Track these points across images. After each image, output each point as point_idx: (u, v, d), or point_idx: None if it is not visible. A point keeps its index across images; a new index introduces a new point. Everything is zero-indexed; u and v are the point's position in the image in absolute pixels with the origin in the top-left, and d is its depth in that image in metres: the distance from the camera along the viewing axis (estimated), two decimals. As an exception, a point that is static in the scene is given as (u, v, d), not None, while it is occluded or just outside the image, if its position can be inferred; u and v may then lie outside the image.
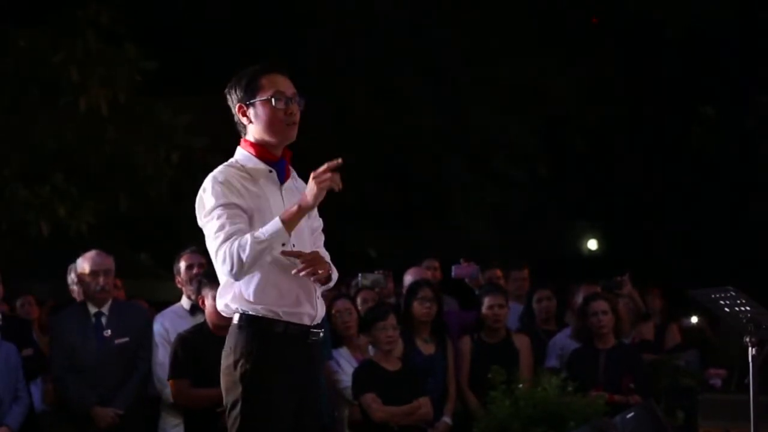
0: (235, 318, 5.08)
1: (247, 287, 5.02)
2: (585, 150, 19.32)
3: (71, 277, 8.65)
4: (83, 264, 8.22)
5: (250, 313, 5.03)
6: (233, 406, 5.01)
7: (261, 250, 4.88)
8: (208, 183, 5.08)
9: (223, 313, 5.18)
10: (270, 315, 5.02)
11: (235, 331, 5.06)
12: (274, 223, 4.93)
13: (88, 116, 13.34)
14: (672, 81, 19.12)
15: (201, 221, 5.10)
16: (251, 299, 5.02)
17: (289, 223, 4.94)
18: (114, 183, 13.88)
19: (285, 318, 5.04)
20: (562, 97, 18.28)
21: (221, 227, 4.96)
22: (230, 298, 5.08)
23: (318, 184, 4.90)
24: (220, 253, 4.94)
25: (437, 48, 16.13)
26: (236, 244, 4.90)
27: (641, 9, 18.04)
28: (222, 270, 4.98)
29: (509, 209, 18.66)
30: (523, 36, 17.84)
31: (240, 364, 5.00)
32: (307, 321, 5.12)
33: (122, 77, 13.37)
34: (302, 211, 4.96)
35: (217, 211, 4.99)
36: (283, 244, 4.94)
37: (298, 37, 16.34)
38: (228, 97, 5.22)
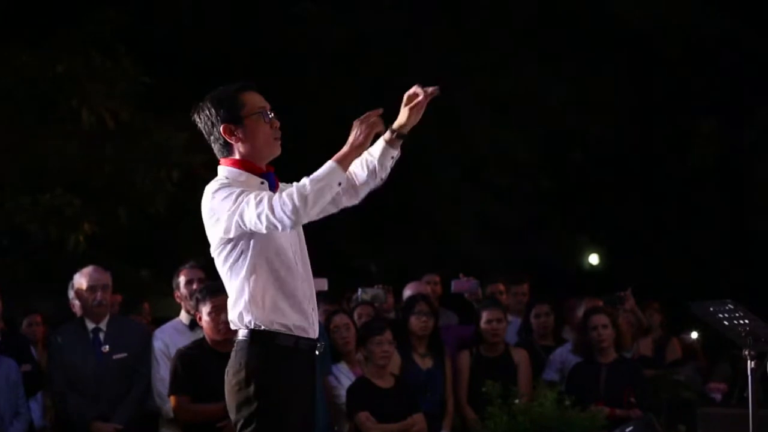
0: (244, 333, 5.05)
1: (257, 301, 5.01)
2: (586, 164, 19.33)
3: (71, 293, 8.66)
4: (81, 279, 8.24)
5: (262, 327, 5.01)
6: (248, 422, 4.99)
7: (321, 187, 4.88)
8: (211, 188, 5.06)
9: (233, 327, 5.15)
10: (282, 329, 5.02)
11: (246, 346, 5.04)
12: (328, 165, 4.95)
13: (89, 133, 13.37)
14: (672, 96, 19.13)
15: (214, 223, 5.04)
16: (261, 314, 5.01)
17: (343, 162, 4.98)
18: (113, 199, 13.88)
19: (295, 332, 5.05)
20: (562, 111, 18.28)
21: (254, 196, 4.91)
22: (239, 313, 5.06)
23: (368, 125, 5.02)
24: (275, 202, 4.85)
25: (435, 61, 16.14)
26: (285, 192, 4.87)
27: (640, 23, 18.06)
28: (275, 218, 4.85)
29: (510, 224, 18.65)
30: (523, 49, 17.85)
31: (253, 379, 4.98)
32: (312, 334, 5.14)
33: (122, 93, 13.39)
34: (354, 150, 5.03)
35: (237, 193, 4.96)
36: (339, 183, 4.96)
37: (297, 53, 16.38)
38: (202, 117, 5.19)
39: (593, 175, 19.46)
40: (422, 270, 10.79)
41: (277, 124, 5.18)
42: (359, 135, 5.02)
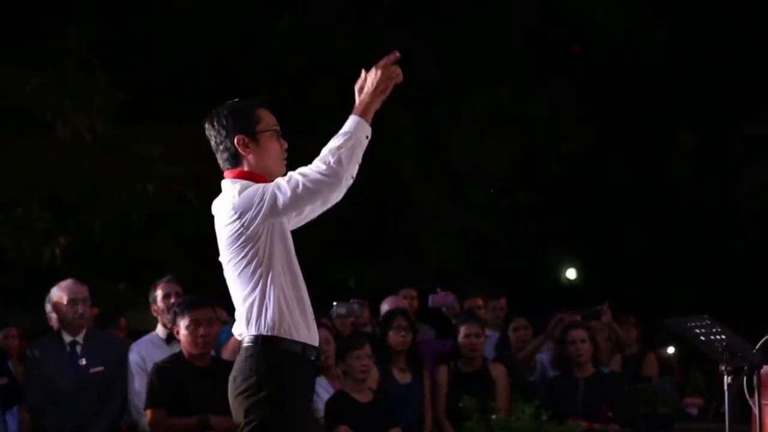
0: (252, 339, 5.07)
1: (267, 307, 5.03)
2: (564, 179, 19.35)
3: (48, 307, 8.63)
4: (60, 293, 8.21)
5: (272, 333, 5.03)
6: (258, 427, 5.00)
7: (352, 144, 4.93)
8: (234, 190, 5.08)
9: (238, 335, 5.18)
10: (290, 336, 5.05)
11: (255, 352, 5.05)
12: (352, 119, 5.01)
13: (64, 146, 13.33)
14: (652, 108, 19.17)
15: (232, 221, 5.05)
16: (272, 320, 5.03)
17: (366, 113, 5.03)
18: (89, 212, 13.85)
19: (303, 339, 5.09)
20: (541, 126, 18.31)
21: (281, 179, 4.99)
22: (248, 319, 5.08)
23: (385, 72, 5.05)
24: (305, 170, 4.94)
25: (414, 75, 16.14)
26: (315, 160, 4.92)
27: (621, 37, 18.10)
28: (313, 183, 4.92)
29: (488, 238, 18.65)
30: (502, 63, 17.87)
31: (265, 384, 4.99)
32: (315, 342, 5.18)
33: (98, 106, 13.36)
34: (376, 98, 5.07)
35: (264, 186, 5.02)
36: (367, 136, 5.00)
37: (276, 68, 16.37)
38: (216, 126, 5.22)
39: (571, 190, 19.48)
40: (399, 284, 10.79)
41: (285, 145, 5.24)
42: (380, 82, 5.05)
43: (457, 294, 10.15)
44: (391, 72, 5.09)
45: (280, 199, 4.95)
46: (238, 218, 5.03)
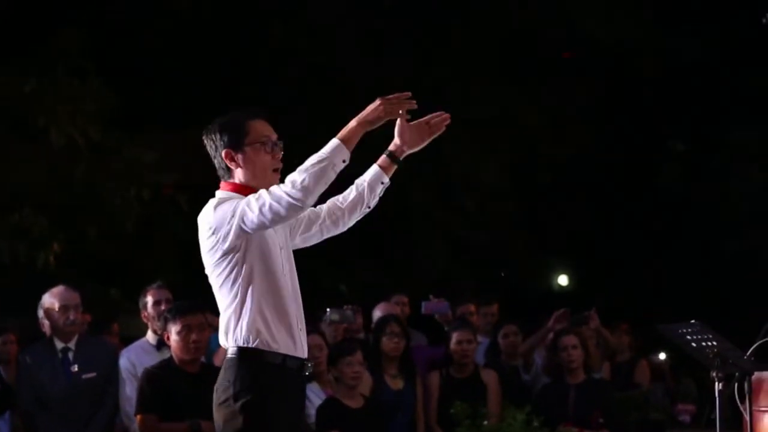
0: (233, 351, 5.09)
1: (246, 318, 5.04)
2: (555, 186, 19.36)
3: (41, 313, 8.62)
4: (52, 299, 8.20)
5: (250, 345, 5.04)
6: None
7: (324, 166, 4.91)
8: (212, 204, 5.11)
9: (222, 344, 5.19)
10: (269, 348, 5.05)
11: (234, 363, 5.07)
12: (332, 142, 4.98)
13: (58, 151, 13.32)
14: (642, 116, 19.20)
15: (210, 236, 5.07)
16: (250, 331, 5.03)
17: (348, 139, 4.99)
18: (83, 218, 13.84)
19: (283, 351, 5.08)
20: (533, 133, 18.32)
21: (252, 196, 4.98)
22: (229, 330, 5.10)
23: (386, 104, 5.05)
24: (275, 189, 4.93)
25: (407, 84, 16.14)
26: (287, 178, 4.92)
27: (611, 45, 18.13)
28: (280, 203, 4.89)
29: (480, 245, 18.65)
30: (492, 71, 17.89)
31: (241, 396, 5.01)
32: (300, 353, 5.16)
33: (91, 112, 13.36)
34: (361, 126, 5.05)
35: (237, 202, 5.02)
36: (344, 161, 4.96)
37: (268, 76, 16.37)
38: (209, 140, 5.26)
39: (563, 197, 19.50)
40: (391, 291, 10.78)
41: (279, 155, 5.23)
42: (372, 111, 5.06)
43: (449, 301, 10.15)
44: (392, 108, 5.10)
45: (248, 217, 4.95)
46: (213, 233, 5.06)
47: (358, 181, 5.32)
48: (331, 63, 16.33)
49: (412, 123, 5.28)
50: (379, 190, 5.30)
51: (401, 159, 5.31)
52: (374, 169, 5.29)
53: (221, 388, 5.10)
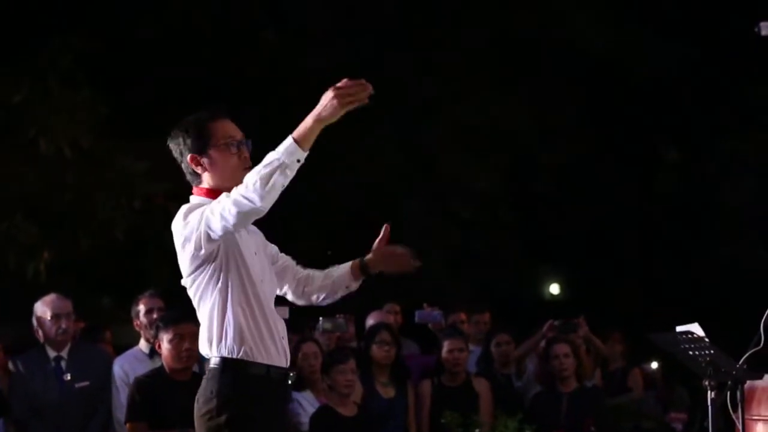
0: (215, 361, 5.02)
1: (228, 329, 4.98)
2: (547, 194, 19.37)
3: (33, 321, 8.61)
4: (44, 308, 8.19)
5: (233, 356, 4.98)
6: None
7: (277, 166, 4.64)
8: (182, 212, 5.00)
9: (204, 355, 5.14)
10: (251, 358, 4.99)
11: (217, 375, 5.00)
12: (286, 142, 4.69)
13: (49, 160, 13.31)
14: (635, 124, 19.22)
15: (185, 246, 4.98)
16: (232, 342, 4.97)
17: (304, 138, 4.69)
18: (74, 226, 13.82)
19: (267, 361, 5.02)
20: (525, 141, 18.33)
21: (215, 201, 4.84)
22: (210, 341, 5.03)
23: (339, 97, 4.68)
24: (232, 192, 4.75)
25: (398, 88, 16.17)
26: (244, 180, 4.72)
27: (606, 53, 18.15)
28: (237, 206, 4.72)
29: (471, 252, 18.65)
30: (485, 77, 17.90)
31: (225, 408, 4.96)
32: (284, 363, 5.12)
33: (81, 121, 13.35)
34: (316, 124, 4.70)
35: (203, 209, 4.89)
36: (299, 161, 4.69)
37: (262, 80, 16.36)
38: (174, 147, 5.18)
39: (555, 205, 19.50)
40: (383, 299, 10.78)
41: (246, 154, 5.10)
42: (326, 107, 4.70)
43: (441, 309, 10.15)
44: (348, 100, 4.70)
45: (212, 224, 4.82)
46: (186, 243, 4.95)
47: (328, 272, 5.43)
48: (325, 69, 16.31)
49: (389, 250, 5.47)
50: (341, 293, 5.42)
51: (371, 275, 5.41)
52: (346, 268, 5.41)
53: (203, 399, 5.04)
